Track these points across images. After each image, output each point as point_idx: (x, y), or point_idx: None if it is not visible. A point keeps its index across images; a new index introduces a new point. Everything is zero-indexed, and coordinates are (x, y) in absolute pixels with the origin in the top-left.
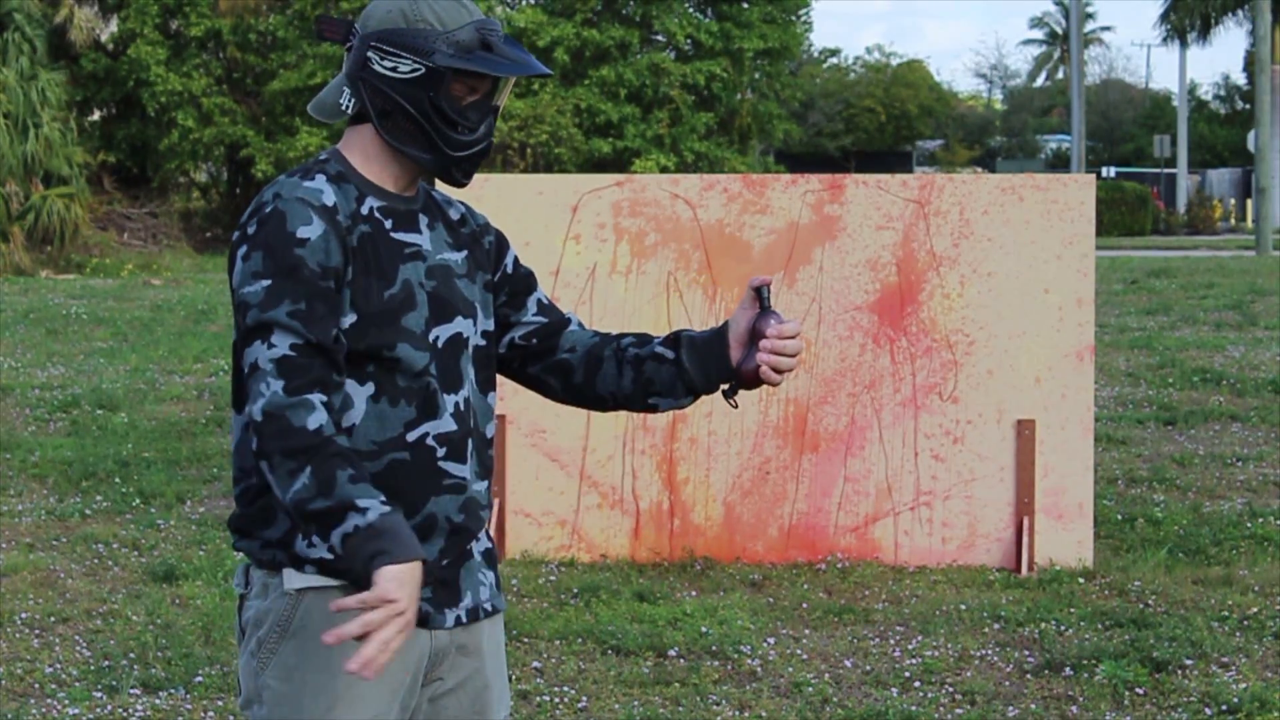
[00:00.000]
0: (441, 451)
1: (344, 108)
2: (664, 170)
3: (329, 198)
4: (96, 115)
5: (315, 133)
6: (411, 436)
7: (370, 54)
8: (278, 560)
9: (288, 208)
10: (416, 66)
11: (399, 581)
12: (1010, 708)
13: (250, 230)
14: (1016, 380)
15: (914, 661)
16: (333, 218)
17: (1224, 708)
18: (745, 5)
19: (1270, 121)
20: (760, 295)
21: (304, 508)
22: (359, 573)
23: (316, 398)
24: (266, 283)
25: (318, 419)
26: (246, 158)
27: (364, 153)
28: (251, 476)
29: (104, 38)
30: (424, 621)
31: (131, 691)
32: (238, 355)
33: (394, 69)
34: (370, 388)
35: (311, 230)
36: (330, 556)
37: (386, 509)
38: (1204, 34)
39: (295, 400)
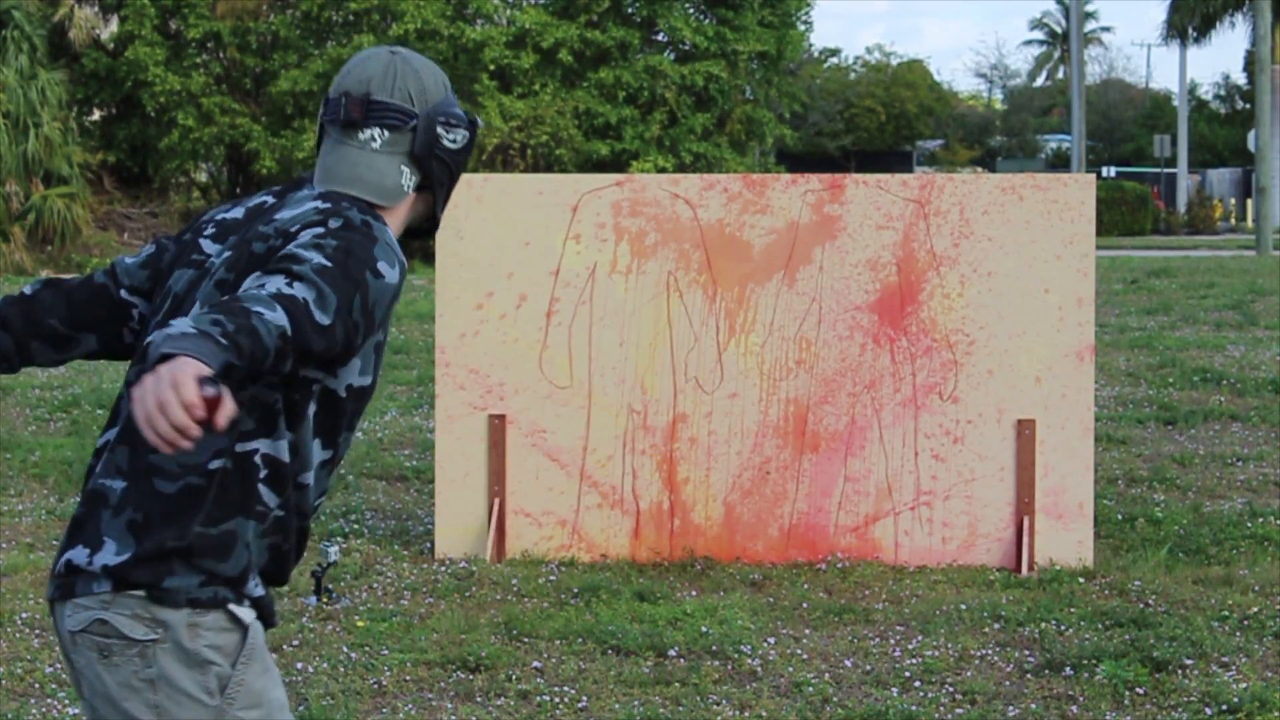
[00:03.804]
0: None
1: (407, 188)
2: (662, 171)
3: (404, 260)
4: (96, 115)
5: None
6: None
7: (440, 129)
8: (220, 598)
9: (382, 236)
10: (467, 133)
11: None
12: (1010, 708)
13: (335, 224)
14: (1016, 380)
15: (914, 661)
16: (402, 280)
17: (1224, 708)
18: (740, 10)
19: (1270, 121)
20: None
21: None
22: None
23: (280, 316)
24: (325, 261)
25: (271, 319)
26: (250, 154)
27: (394, 219)
28: (195, 476)
29: (104, 37)
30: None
31: None
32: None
33: (454, 140)
34: (329, 453)
35: (387, 273)
36: (263, 594)
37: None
38: (1204, 33)
39: (273, 306)
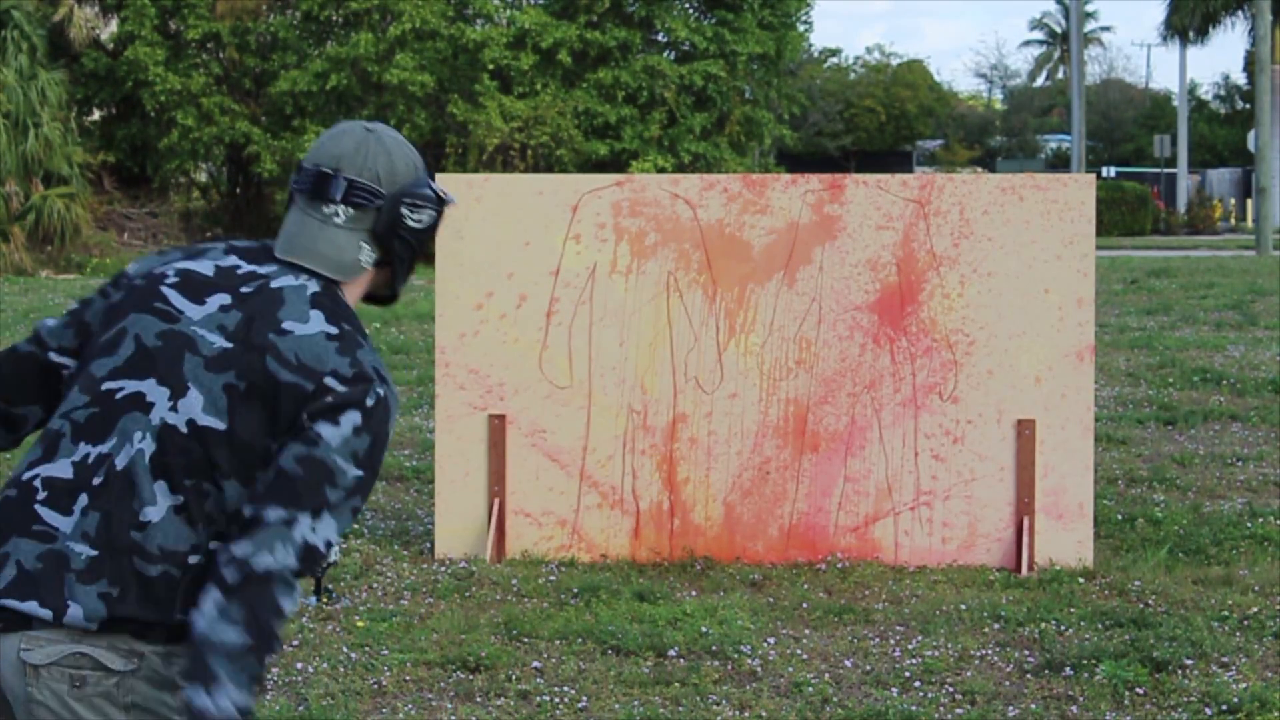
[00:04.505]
0: None
1: (365, 264)
2: (661, 171)
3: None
4: (96, 115)
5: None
6: None
7: (404, 210)
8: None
9: (393, 404)
10: (434, 213)
11: None
12: (1010, 708)
13: (370, 403)
14: (1016, 380)
15: (914, 661)
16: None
17: (1224, 708)
18: (739, 11)
19: (1270, 121)
20: None
21: (253, 655)
22: None
23: (299, 592)
24: (360, 474)
25: (291, 609)
26: (249, 156)
27: (352, 291)
28: (173, 567)
29: (104, 37)
30: None
31: None
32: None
33: (420, 220)
34: None
35: (389, 438)
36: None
37: None
38: (1203, 33)
39: (293, 586)
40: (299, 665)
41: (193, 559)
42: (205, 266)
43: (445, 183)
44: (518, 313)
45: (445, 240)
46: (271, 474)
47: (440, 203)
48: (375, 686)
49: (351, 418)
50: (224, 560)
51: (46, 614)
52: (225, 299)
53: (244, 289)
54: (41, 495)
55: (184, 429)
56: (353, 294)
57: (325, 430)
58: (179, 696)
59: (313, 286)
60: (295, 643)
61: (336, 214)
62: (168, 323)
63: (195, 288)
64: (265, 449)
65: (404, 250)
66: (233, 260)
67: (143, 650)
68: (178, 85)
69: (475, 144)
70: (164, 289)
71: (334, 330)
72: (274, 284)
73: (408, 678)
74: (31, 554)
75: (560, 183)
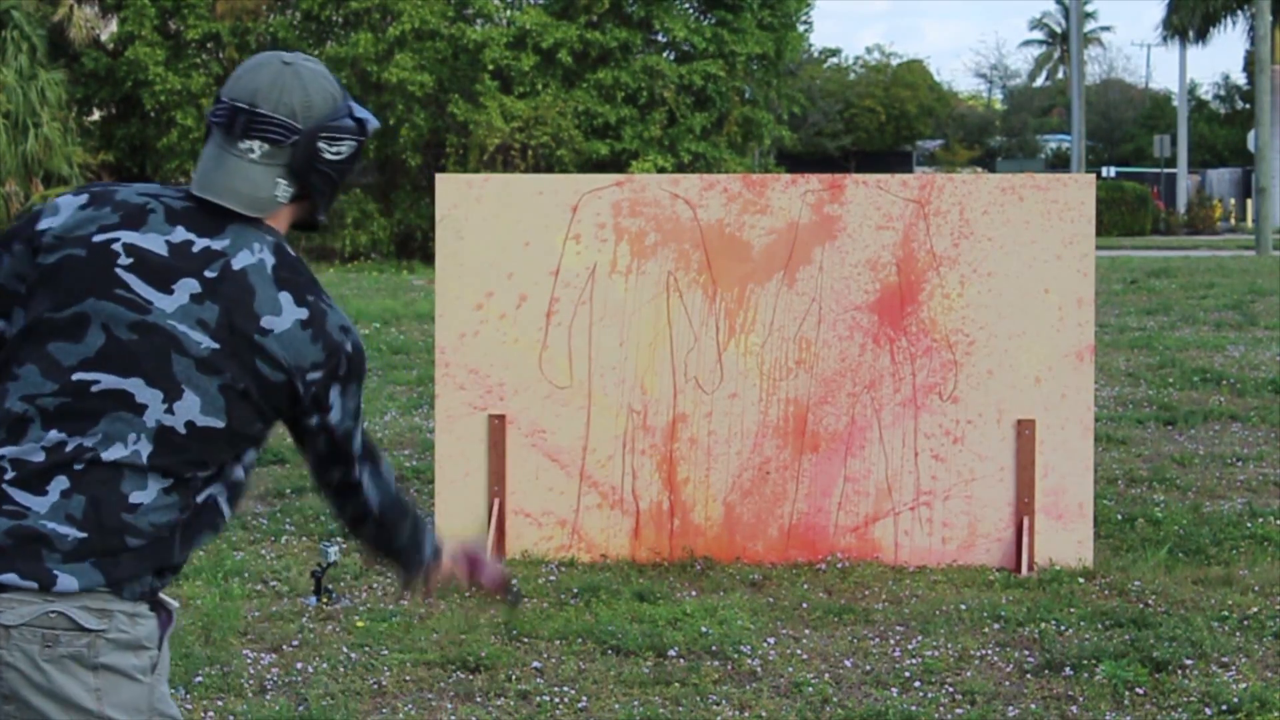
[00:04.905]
0: None
1: (281, 200)
2: (661, 171)
3: None
4: (96, 115)
5: None
6: None
7: (320, 144)
8: (153, 588)
9: (360, 340)
10: (354, 143)
11: None
12: (1010, 708)
13: (343, 371)
14: (1016, 380)
15: (914, 661)
16: None
17: (1224, 708)
18: (739, 11)
19: (1270, 121)
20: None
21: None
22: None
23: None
24: (362, 420)
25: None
26: None
27: (278, 224)
28: (164, 531)
29: (104, 37)
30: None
31: None
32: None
33: (339, 152)
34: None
35: (366, 356)
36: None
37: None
38: (1203, 33)
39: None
40: (299, 665)
41: (184, 516)
42: (155, 243)
43: (445, 183)
44: (518, 313)
45: (445, 240)
46: (320, 453)
47: (361, 131)
48: (375, 686)
49: (335, 389)
50: (363, 505)
51: (31, 584)
52: (194, 286)
53: (208, 273)
54: (10, 475)
55: (182, 429)
56: (280, 226)
57: (329, 417)
58: (144, 656)
59: (269, 258)
60: (295, 643)
61: (251, 149)
62: (137, 313)
63: (156, 272)
64: (256, 433)
65: (323, 183)
66: (181, 233)
67: (113, 609)
68: (178, 85)
69: (476, 144)
70: (120, 272)
71: (304, 314)
72: (235, 265)
73: (408, 678)
74: None
75: (560, 183)
